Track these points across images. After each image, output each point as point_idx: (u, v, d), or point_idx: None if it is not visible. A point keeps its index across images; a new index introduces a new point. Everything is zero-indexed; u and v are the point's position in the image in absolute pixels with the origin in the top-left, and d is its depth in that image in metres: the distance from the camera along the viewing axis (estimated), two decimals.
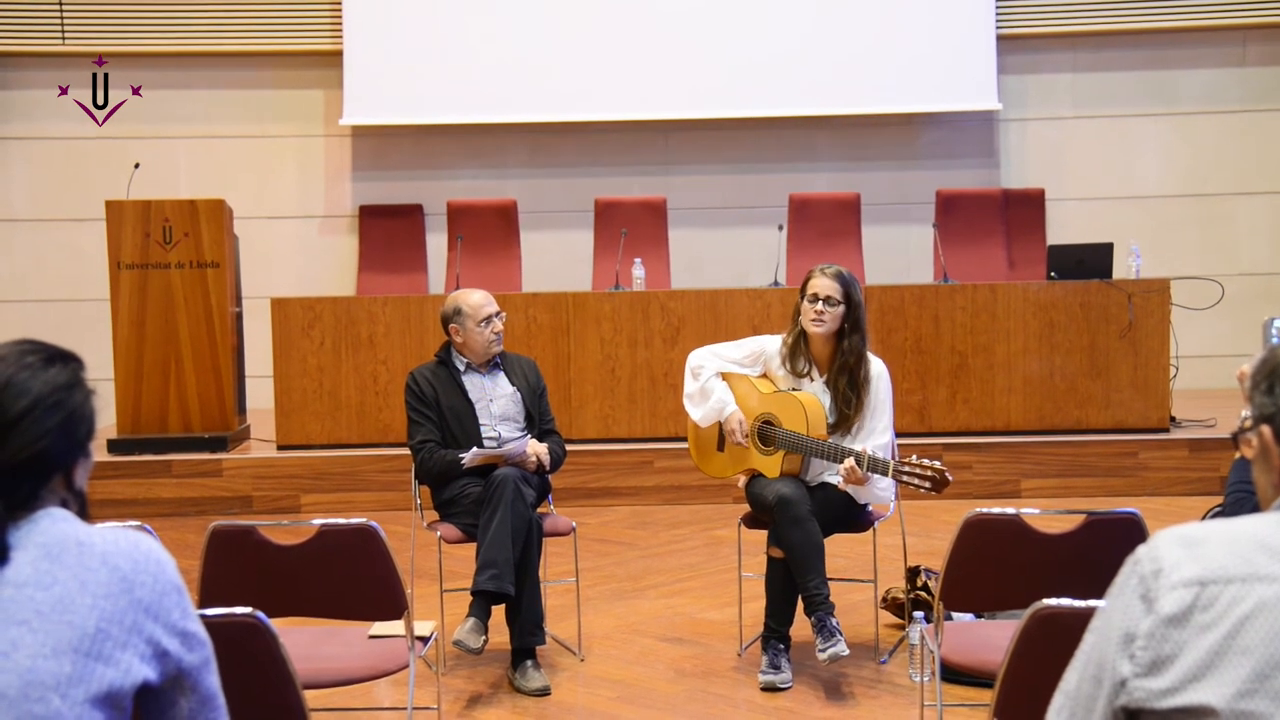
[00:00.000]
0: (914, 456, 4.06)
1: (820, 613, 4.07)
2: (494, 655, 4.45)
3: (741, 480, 4.51)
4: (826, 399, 4.32)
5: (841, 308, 4.29)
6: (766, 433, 4.35)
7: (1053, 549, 3.28)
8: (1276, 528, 1.56)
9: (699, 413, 4.48)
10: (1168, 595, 1.52)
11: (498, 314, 4.66)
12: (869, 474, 4.11)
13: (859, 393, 4.29)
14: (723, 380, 4.48)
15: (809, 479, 4.32)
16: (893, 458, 4.22)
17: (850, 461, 4.08)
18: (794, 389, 4.35)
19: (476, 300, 4.66)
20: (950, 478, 3.96)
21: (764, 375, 4.48)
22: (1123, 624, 1.56)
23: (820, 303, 4.28)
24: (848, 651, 4.05)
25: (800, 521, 4.11)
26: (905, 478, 4.01)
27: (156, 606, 1.63)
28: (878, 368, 4.36)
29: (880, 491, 4.27)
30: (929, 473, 3.96)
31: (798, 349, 4.38)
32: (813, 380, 4.37)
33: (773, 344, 4.47)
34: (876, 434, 4.29)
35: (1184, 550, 1.55)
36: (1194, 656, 1.50)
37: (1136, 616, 1.54)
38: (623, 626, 4.93)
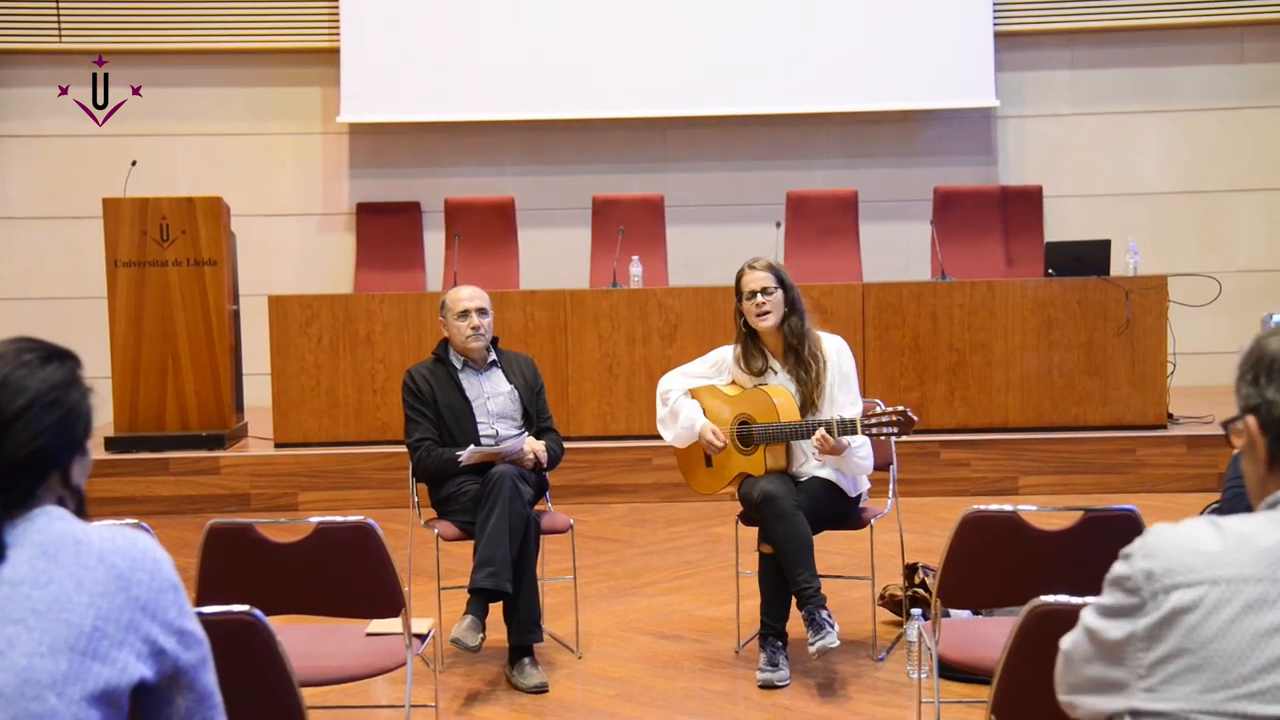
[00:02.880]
0: (877, 406, 4.21)
1: (811, 606, 4.09)
2: (491, 653, 4.45)
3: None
4: (793, 386, 4.37)
5: (779, 293, 4.36)
6: (744, 432, 4.38)
7: (1050, 546, 3.28)
8: (1265, 526, 1.56)
9: (670, 434, 4.54)
10: (1160, 599, 1.52)
11: (479, 310, 4.64)
12: (842, 440, 4.17)
13: (809, 370, 4.34)
14: (691, 398, 4.53)
15: (796, 472, 4.35)
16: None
17: (820, 432, 4.13)
18: (759, 385, 4.39)
19: (458, 294, 4.67)
20: (914, 416, 4.11)
21: (731, 382, 4.53)
22: (1118, 625, 1.56)
23: (759, 295, 4.35)
24: (838, 644, 4.06)
25: (786, 516, 4.13)
26: (874, 430, 4.12)
27: (153, 605, 1.63)
28: (834, 344, 4.43)
29: (860, 460, 4.32)
30: (893, 416, 4.09)
31: (750, 349, 4.46)
32: (776, 373, 4.42)
33: (730, 352, 4.53)
34: (847, 407, 4.34)
35: (1174, 551, 1.55)
36: (1186, 659, 1.50)
37: (1131, 617, 1.54)
38: (620, 624, 4.94)
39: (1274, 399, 1.59)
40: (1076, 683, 1.63)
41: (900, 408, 4.11)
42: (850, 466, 4.32)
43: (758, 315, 4.37)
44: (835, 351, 4.40)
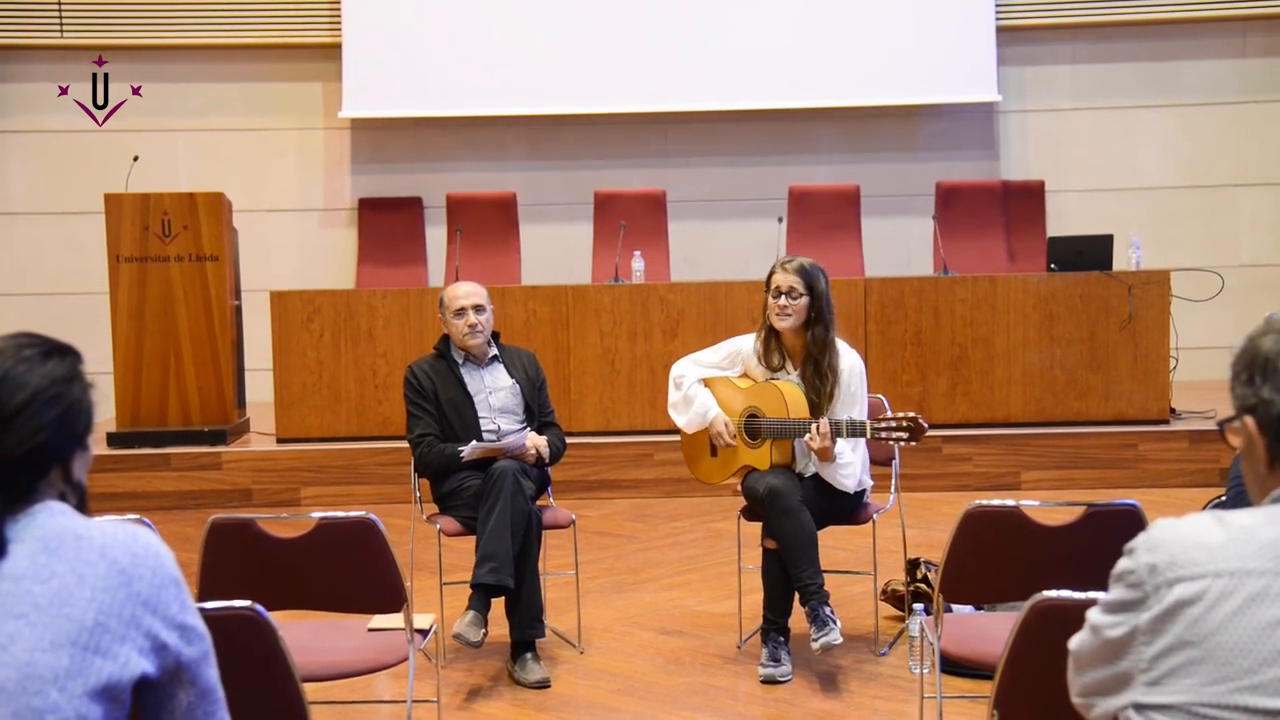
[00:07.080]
0: (887, 412, 4.20)
1: (814, 602, 4.09)
2: (494, 648, 4.45)
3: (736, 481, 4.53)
4: (803, 390, 4.35)
5: (805, 299, 4.32)
6: (752, 426, 4.37)
7: (1053, 541, 3.28)
8: (1268, 520, 1.56)
9: (683, 420, 4.52)
10: (1163, 592, 1.52)
11: (475, 308, 4.61)
12: (836, 446, 4.17)
13: (824, 381, 4.31)
14: (704, 386, 4.51)
15: (801, 469, 4.34)
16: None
17: (812, 427, 4.13)
18: (771, 380, 4.38)
19: (456, 292, 4.66)
20: (925, 424, 4.12)
21: (743, 374, 4.52)
22: (1122, 621, 1.56)
23: (782, 297, 4.31)
24: (841, 640, 4.06)
25: (791, 512, 4.13)
26: (884, 434, 4.12)
27: (155, 600, 1.63)
28: (850, 360, 4.39)
29: (842, 477, 4.29)
30: (904, 423, 4.09)
31: (770, 344, 4.42)
32: (789, 373, 4.41)
33: (748, 343, 4.51)
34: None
35: (1178, 544, 1.55)
36: (1189, 652, 1.50)
37: (1134, 611, 1.54)
38: (622, 619, 4.94)
39: (1271, 398, 1.59)
40: (1088, 684, 1.64)
41: (911, 414, 4.09)
42: (829, 473, 4.30)
43: (776, 315, 4.33)
44: (848, 370, 4.36)
